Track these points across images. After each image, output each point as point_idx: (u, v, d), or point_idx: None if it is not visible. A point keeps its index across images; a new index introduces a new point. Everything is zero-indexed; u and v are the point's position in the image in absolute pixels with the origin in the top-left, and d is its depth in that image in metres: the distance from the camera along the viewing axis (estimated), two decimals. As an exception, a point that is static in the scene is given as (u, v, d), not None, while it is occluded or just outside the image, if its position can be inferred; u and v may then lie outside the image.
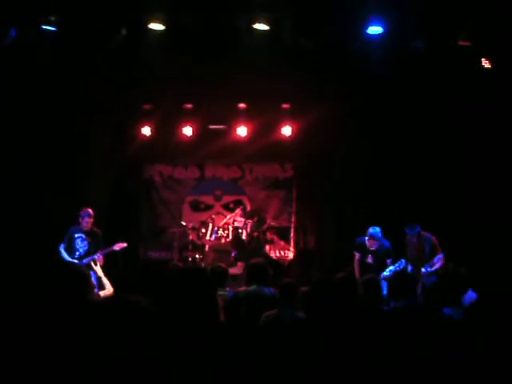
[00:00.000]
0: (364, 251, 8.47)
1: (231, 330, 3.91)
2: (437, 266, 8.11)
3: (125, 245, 8.67)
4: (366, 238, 8.39)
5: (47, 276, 4.30)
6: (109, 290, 6.04)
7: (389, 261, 8.26)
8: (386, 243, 8.38)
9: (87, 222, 8.62)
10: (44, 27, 8.44)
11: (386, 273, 7.93)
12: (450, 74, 8.93)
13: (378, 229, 8.34)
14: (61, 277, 3.99)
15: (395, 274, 7.68)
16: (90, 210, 8.68)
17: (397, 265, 7.89)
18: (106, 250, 8.55)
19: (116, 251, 8.63)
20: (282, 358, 4.06)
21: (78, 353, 3.48)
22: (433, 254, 8.24)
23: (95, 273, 6.32)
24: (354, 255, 8.58)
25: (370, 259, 8.41)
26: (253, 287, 5.92)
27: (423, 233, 8.34)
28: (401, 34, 8.56)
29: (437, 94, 9.30)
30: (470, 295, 5.52)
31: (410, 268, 8.00)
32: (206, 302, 3.82)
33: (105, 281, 6.35)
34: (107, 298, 5.43)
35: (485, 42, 8.48)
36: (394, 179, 9.89)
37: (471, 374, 3.71)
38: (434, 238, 8.35)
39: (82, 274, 4.16)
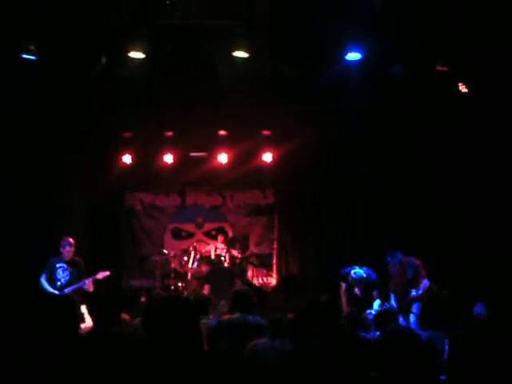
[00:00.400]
0: (350, 282, 8.43)
1: (215, 359, 3.86)
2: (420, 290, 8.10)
3: (108, 273, 8.60)
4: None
5: (34, 309, 4.22)
6: (88, 322, 5.97)
7: (375, 292, 8.25)
8: (373, 275, 8.37)
9: (68, 252, 8.52)
10: (24, 56, 8.43)
11: (376, 307, 7.94)
12: (428, 98, 9.04)
13: (360, 271, 8.34)
14: (52, 308, 3.93)
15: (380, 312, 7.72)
16: (71, 239, 8.60)
17: (386, 305, 7.87)
18: (90, 279, 8.46)
19: (99, 280, 8.54)
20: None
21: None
22: (416, 278, 8.22)
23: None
24: (340, 285, 8.53)
25: (356, 290, 8.38)
26: (236, 315, 5.87)
27: (405, 258, 8.32)
28: (379, 60, 8.67)
29: (416, 118, 9.39)
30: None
31: (392, 299, 8.00)
32: (189, 331, 3.78)
33: (84, 312, 6.28)
34: (88, 331, 5.34)
35: (462, 67, 8.62)
36: (374, 202, 9.94)
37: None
38: (416, 262, 8.34)
39: (73, 304, 4.10)
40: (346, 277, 8.49)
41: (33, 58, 8.44)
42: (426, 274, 8.12)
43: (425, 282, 8.01)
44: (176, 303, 4.14)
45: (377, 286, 8.32)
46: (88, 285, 8.31)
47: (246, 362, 4.60)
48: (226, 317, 6.03)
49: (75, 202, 10.36)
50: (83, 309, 6.74)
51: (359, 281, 8.31)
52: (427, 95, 8.99)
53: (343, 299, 8.40)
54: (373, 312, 7.76)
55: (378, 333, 5.80)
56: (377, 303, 8.02)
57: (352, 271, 8.39)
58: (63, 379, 3.50)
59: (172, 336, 3.68)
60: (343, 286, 8.51)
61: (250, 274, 10.50)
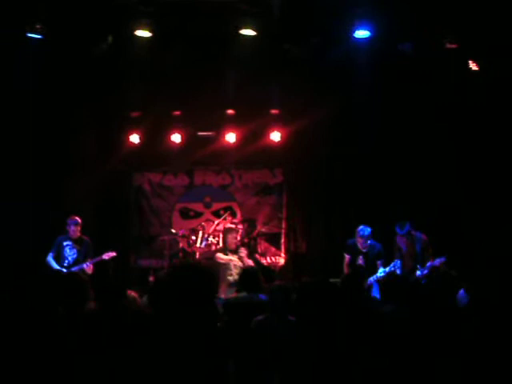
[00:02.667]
0: (354, 253, 8.41)
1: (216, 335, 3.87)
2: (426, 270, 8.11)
3: (114, 254, 8.67)
4: (357, 238, 8.36)
5: (44, 285, 4.25)
6: None
7: (379, 262, 8.24)
8: (377, 245, 8.36)
9: (74, 231, 8.60)
10: (30, 35, 8.40)
11: (380, 273, 7.92)
12: (437, 76, 8.94)
13: (368, 229, 8.31)
14: (63, 285, 3.96)
15: (388, 275, 7.72)
16: (77, 218, 8.67)
17: (391, 265, 7.88)
18: (95, 259, 8.53)
19: (105, 260, 8.60)
20: (274, 363, 4.02)
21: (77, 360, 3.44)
22: (423, 253, 8.23)
23: None
24: (344, 257, 8.53)
25: (360, 260, 8.35)
26: (243, 294, 5.88)
27: (413, 232, 8.33)
28: (388, 38, 8.58)
29: (425, 96, 9.31)
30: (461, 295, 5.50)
31: (398, 271, 7.99)
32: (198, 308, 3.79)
33: None
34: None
35: (472, 45, 8.52)
36: (384, 181, 9.90)
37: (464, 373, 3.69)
38: (424, 237, 8.35)
39: (81, 280, 4.14)
40: (350, 248, 8.48)
41: (39, 37, 8.42)
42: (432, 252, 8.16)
43: (432, 262, 8.02)
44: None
45: (381, 255, 8.30)
46: (88, 267, 8.37)
47: (248, 339, 4.60)
48: (233, 295, 6.05)
49: (83, 181, 10.37)
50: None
51: (365, 236, 8.26)
52: (436, 73, 8.90)
53: (345, 271, 8.39)
54: (380, 274, 7.81)
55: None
56: (381, 270, 7.99)
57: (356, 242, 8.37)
58: (71, 353, 3.53)
59: (178, 313, 3.70)
60: (347, 257, 8.51)
61: (258, 252, 10.46)
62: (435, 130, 9.53)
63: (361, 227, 8.31)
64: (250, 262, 8.79)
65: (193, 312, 3.58)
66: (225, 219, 10.66)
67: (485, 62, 8.57)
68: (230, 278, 8.55)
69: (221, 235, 10.25)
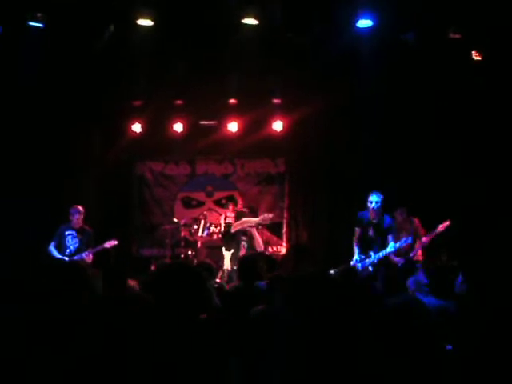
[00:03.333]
0: (365, 225, 8.22)
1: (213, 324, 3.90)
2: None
3: (115, 242, 8.71)
4: (368, 206, 8.15)
5: (45, 274, 4.27)
6: None
7: (390, 237, 8.13)
8: (388, 218, 8.18)
9: (77, 219, 8.63)
10: (31, 23, 8.37)
11: (391, 249, 7.90)
12: (440, 66, 8.91)
13: (380, 195, 8.09)
14: (62, 273, 3.97)
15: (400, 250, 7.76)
16: (80, 207, 8.70)
17: (403, 241, 7.86)
18: (97, 248, 8.57)
19: (107, 249, 8.64)
20: (272, 353, 4.04)
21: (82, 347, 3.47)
22: (415, 237, 8.28)
23: None
24: (354, 231, 8.35)
25: (371, 232, 8.19)
26: (240, 283, 5.88)
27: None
28: (391, 27, 8.54)
29: (427, 86, 9.28)
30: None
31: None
32: (193, 297, 3.83)
33: None
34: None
35: (475, 35, 8.48)
36: (386, 171, 9.87)
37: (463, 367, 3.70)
38: (416, 222, 8.41)
39: (82, 269, 4.15)
40: (360, 220, 8.29)
41: (40, 25, 8.40)
42: (425, 234, 8.25)
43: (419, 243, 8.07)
44: (180, 269, 4.20)
45: (392, 228, 8.11)
46: (88, 256, 8.42)
47: (244, 329, 4.60)
48: (232, 284, 6.06)
49: (85, 171, 10.39)
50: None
51: (378, 200, 8.08)
52: (439, 63, 8.86)
53: (354, 246, 8.26)
54: (391, 249, 7.79)
55: None
56: (391, 245, 7.94)
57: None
58: (72, 342, 3.55)
59: (175, 301, 3.74)
60: (357, 231, 8.31)
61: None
62: (438, 120, 9.50)
63: (373, 192, 8.12)
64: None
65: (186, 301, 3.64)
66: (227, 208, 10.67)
67: (488, 53, 8.52)
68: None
69: (222, 224, 10.27)
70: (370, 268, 7.97)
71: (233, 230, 9.23)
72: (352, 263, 8.07)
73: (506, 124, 8.89)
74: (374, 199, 8.06)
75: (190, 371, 3.48)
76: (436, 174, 9.56)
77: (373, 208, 8.06)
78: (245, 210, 10.15)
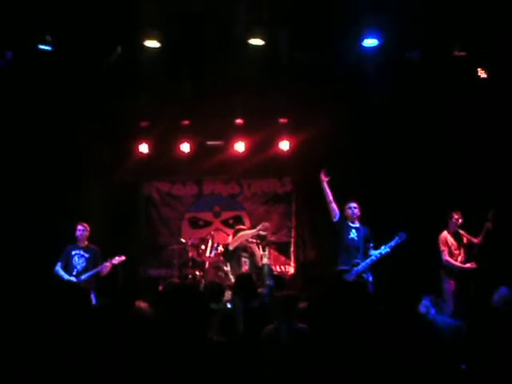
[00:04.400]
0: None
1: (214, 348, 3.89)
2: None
3: (123, 258, 8.77)
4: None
5: (46, 297, 4.27)
6: None
7: (370, 245, 8.19)
8: (365, 229, 8.32)
9: (83, 236, 8.68)
10: (40, 46, 8.46)
11: (386, 249, 7.92)
12: (446, 84, 8.94)
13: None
14: (62, 296, 3.98)
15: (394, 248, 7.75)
16: (85, 224, 8.77)
17: (397, 238, 7.86)
18: (105, 264, 8.59)
19: (115, 265, 8.67)
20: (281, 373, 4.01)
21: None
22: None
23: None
24: None
25: (353, 234, 8.30)
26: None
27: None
28: (396, 46, 8.59)
29: (433, 105, 9.30)
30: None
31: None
32: (195, 320, 3.83)
33: None
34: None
35: (480, 53, 8.51)
36: (392, 191, 9.86)
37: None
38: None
39: (82, 292, 4.15)
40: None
41: (49, 48, 8.48)
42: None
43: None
44: (183, 291, 4.21)
45: (371, 238, 8.22)
46: (107, 267, 8.48)
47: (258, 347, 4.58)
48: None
49: (93, 191, 10.41)
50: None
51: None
52: (445, 81, 8.89)
53: None
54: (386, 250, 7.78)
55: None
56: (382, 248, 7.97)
57: None
58: (76, 358, 3.54)
59: (178, 323, 3.74)
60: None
61: (265, 260, 10.37)
62: (444, 138, 9.50)
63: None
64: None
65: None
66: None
67: (493, 70, 8.55)
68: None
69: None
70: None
71: (231, 248, 9.22)
72: None
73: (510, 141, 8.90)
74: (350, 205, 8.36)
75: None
76: (442, 192, 9.53)
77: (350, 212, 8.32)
78: (243, 227, 10.13)
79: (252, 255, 8.99)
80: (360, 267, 8.02)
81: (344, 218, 8.35)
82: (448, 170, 9.57)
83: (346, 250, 8.18)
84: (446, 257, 8.59)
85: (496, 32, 7.95)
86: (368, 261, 8.04)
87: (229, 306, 6.32)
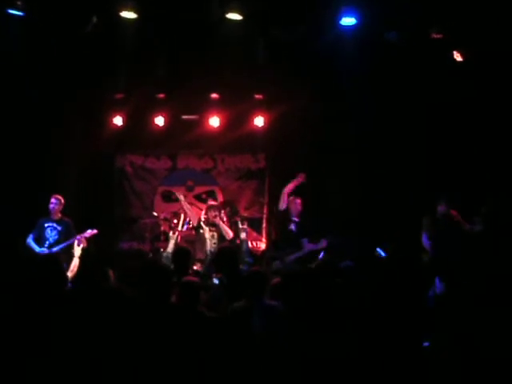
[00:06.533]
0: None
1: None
2: None
3: (95, 231, 8.75)
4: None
5: (19, 269, 4.26)
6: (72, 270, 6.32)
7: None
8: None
9: (57, 208, 8.64)
10: (11, 11, 8.27)
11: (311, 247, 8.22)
12: (423, 66, 8.99)
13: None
14: (38, 267, 3.98)
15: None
16: (60, 196, 8.72)
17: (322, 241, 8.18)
18: (78, 237, 8.55)
19: (87, 238, 8.64)
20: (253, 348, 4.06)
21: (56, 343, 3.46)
22: None
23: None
24: None
25: (292, 226, 8.69)
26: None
27: None
28: (374, 26, 8.60)
29: (410, 85, 9.36)
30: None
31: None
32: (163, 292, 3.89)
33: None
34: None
35: (456, 35, 8.57)
36: (367, 168, 9.95)
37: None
38: None
39: (58, 262, 4.16)
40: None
41: (20, 13, 8.29)
42: None
43: None
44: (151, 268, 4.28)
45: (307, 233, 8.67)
46: (80, 240, 8.46)
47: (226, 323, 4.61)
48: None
49: (66, 163, 10.32)
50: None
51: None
52: (422, 62, 8.94)
53: None
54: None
55: None
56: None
57: None
58: (52, 335, 3.55)
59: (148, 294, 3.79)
60: None
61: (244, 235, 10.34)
62: (421, 117, 9.58)
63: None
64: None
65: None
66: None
67: (469, 53, 8.62)
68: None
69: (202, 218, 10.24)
70: None
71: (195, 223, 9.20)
72: None
73: (487, 123, 9.00)
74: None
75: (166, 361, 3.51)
76: (415, 167, 9.63)
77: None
78: (215, 202, 10.11)
79: (219, 229, 8.92)
80: (291, 257, 8.34)
81: (288, 210, 8.79)
82: (424, 150, 9.65)
83: (284, 239, 8.73)
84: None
85: (473, 16, 8.00)
86: (299, 253, 8.35)
87: (216, 281, 6.31)
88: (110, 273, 5.19)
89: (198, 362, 3.70)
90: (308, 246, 8.45)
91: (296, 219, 8.79)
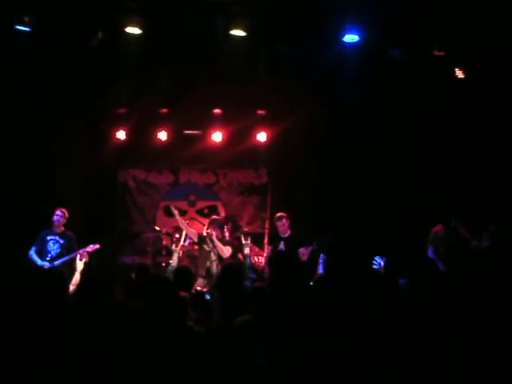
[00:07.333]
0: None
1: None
2: None
3: (98, 246, 8.73)
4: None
5: (20, 281, 4.26)
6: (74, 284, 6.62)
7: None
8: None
9: (60, 222, 8.66)
10: (18, 27, 8.34)
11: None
12: (425, 83, 9.04)
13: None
14: (40, 280, 3.98)
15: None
16: (64, 210, 8.72)
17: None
18: (80, 251, 8.55)
19: (89, 252, 8.64)
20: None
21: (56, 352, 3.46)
22: None
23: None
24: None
25: (282, 246, 8.77)
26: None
27: None
28: (377, 43, 8.66)
29: (412, 102, 9.41)
30: None
31: None
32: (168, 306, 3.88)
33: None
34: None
35: (458, 53, 8.63)
36: (369, 184, 9.97)
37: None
38: None
39: (61, 276, 4.16)
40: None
41: (27, 29, 8.36)
42: None
43: None
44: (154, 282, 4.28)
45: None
46: (82, 255, 8.43)
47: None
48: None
49: (69, 176, 10.34)
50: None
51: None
52: (424, 79, 9.00)
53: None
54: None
55: None
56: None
57: None
58: (54, 348, 3.55)
59: (153, 309, 3.78)
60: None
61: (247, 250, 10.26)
62: (422, 134, 9.62)
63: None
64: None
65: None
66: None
67: (471, 70, 8.68)
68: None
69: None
70: None
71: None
72: None
73: (489, 139, 9.05)
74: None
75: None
76: (420, 185, 9.66)
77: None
78: (218, 217, 10.11)
79: (214, 246, 8.89)
80: None
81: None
82: (424, 164, 9.69)
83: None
84: None
85: (475, 34, 8.07)
86: None
87: (207, 297, 6.31)
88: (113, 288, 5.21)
89: (183, 375, 3.70)
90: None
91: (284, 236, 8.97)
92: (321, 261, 8.15)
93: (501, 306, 4.39)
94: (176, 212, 9.30)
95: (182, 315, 4.33)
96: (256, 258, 11.13)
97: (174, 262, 8.13)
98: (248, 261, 8.38)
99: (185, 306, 4.56)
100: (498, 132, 9.01)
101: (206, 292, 6.98)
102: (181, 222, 9.32)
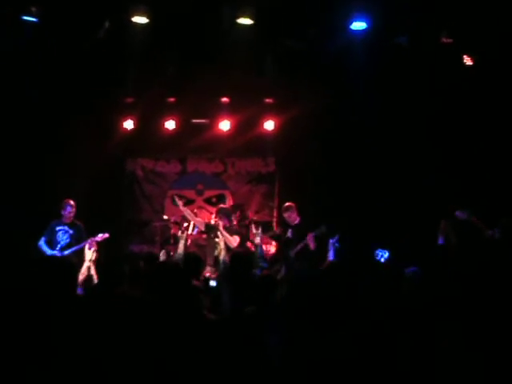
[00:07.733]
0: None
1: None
2: None
3: (107, 235, 8.78)
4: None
5: (31, 271, 4.29)
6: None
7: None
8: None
9: (69, 213, 8.70)
10: (25, 18, 8.34)
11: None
12: (433, 70, 9.00)
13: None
14: (51, 270, 3.99)
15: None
16: (72, 201, 8.75)
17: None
18: (89, 241, 8.60)
19: (98, 242, 8.68)
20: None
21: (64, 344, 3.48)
22: None
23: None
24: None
25: (289, 233, 8.74)
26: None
27: None
28: (384, 30, 8.62)
29: (420, 89, 9.36)
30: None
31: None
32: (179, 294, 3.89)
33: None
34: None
35: (466, 40, 8.58)
36: (376, 171, 9.96)
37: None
38: None
39: (71, 266, 4.18)
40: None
41: (34, 19, 8.36)
42: None
43: None
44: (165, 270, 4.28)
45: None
46: (91, 244, 8.48)
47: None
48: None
49: (77, 166, 10.36)
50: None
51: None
52: (432, 66, 8.95)
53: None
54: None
55: None
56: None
57: None
58: (64, 339, 3.57)
59: (164, 298, 3.79)
60: None
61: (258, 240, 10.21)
62: (429, 122, 9.58)
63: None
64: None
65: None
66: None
67: (479, 57, 8.63)
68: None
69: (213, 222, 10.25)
70: None
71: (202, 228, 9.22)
72: None
73: (495, 127, 9.00)
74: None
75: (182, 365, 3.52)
76: (425, 173, 9.63)
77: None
78: (225, 206, 10.11)
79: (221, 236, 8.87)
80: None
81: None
82: (432, 152, 9.66)
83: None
84: None
85: (483, 21, 8.01)
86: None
87: (212, 283, 6.33)
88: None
89: (201, 364, 3.71)
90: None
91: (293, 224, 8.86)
92: (331, 247, 8.07)
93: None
94: (180, 203, 9.27)
95: (198, 305, 4.32)
96: (264, 247, 11.14)
97: (180, 249, 8.09)
98: (259, 250, 8.39)
99: (198, 295, 4.56)
100: (507, 121, 8.96)
101: (213, 278, 7.00)
102: (186, 211, 9.31)
